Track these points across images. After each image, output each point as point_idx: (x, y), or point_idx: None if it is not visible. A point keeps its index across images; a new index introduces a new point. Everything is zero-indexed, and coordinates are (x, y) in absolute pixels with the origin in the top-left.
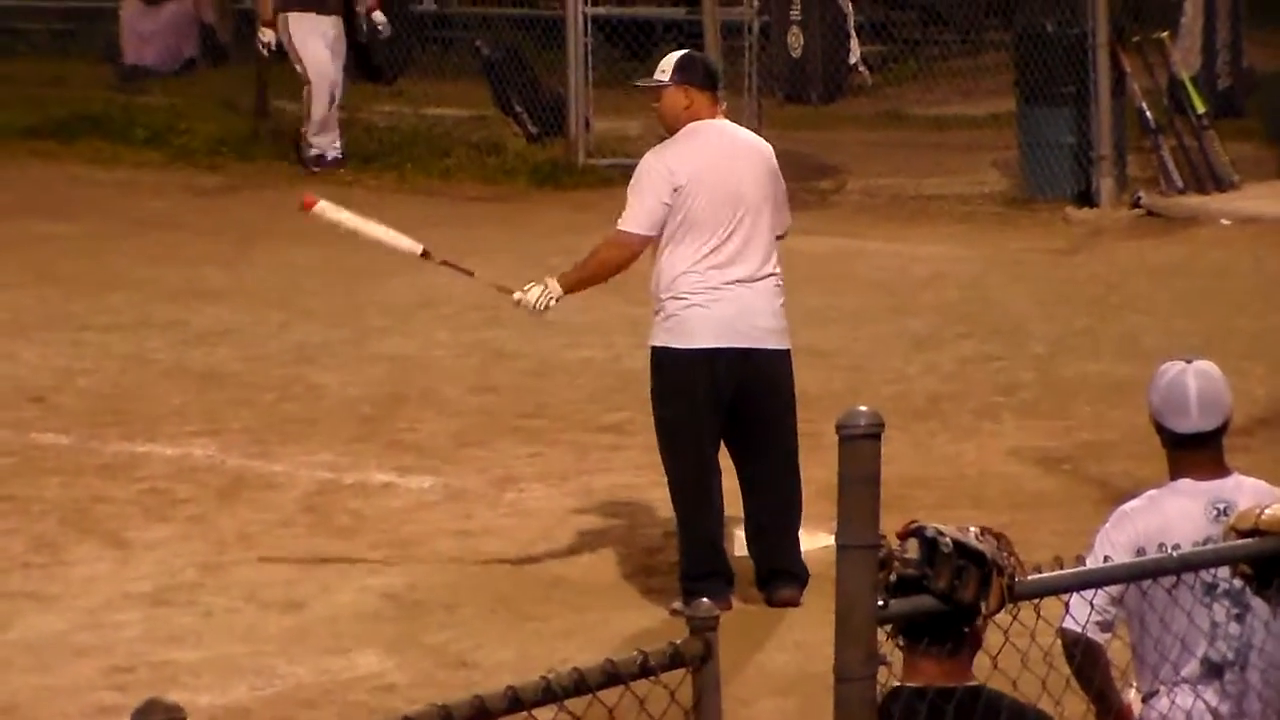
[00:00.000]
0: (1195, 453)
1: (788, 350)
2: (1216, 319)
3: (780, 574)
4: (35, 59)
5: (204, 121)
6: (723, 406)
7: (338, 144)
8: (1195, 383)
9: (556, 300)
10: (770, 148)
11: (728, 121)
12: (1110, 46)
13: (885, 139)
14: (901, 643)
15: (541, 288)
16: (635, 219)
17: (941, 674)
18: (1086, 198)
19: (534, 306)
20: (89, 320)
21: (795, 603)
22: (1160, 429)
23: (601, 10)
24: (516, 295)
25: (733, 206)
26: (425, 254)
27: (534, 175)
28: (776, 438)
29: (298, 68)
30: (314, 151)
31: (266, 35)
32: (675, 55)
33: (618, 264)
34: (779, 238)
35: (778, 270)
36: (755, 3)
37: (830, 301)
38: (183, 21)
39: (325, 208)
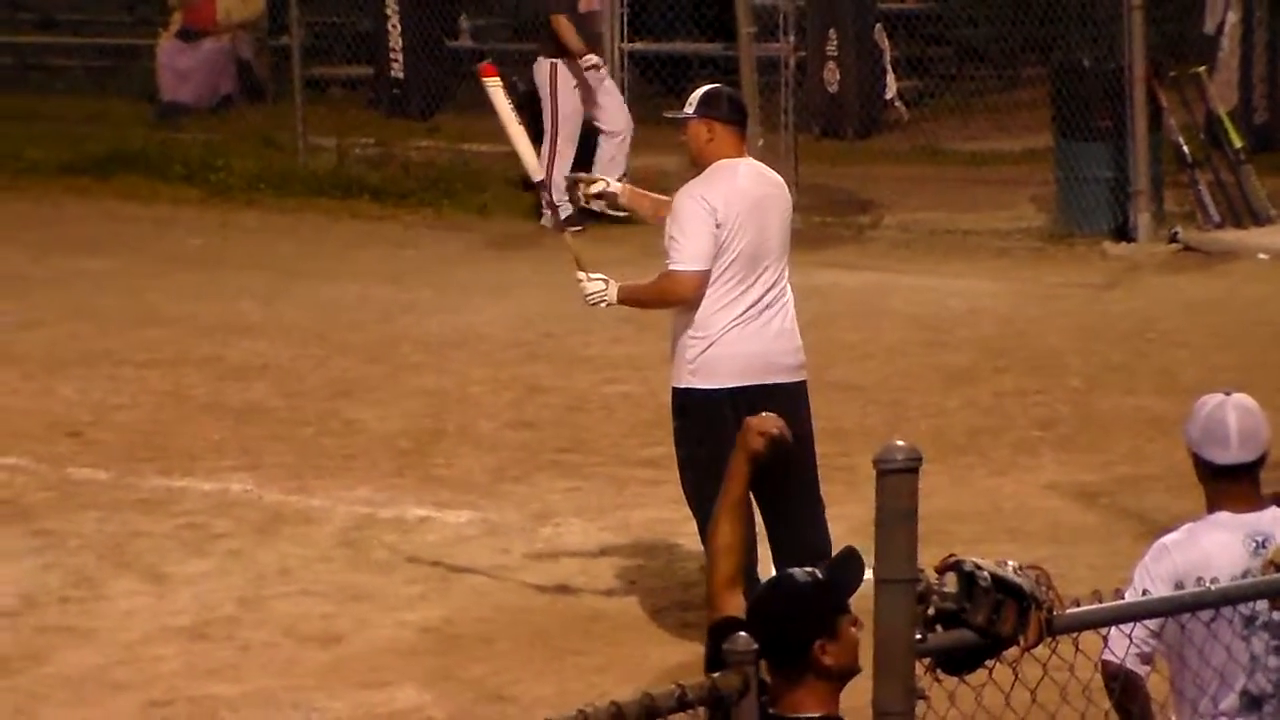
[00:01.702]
0: (1233, 485)
1: (805, 381)
2: (1254, 353)
3: None
4: (72, 96)
5: (241, 158)
6: None
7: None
8: (1234, 415)
9: (607, 305)
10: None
11: (753, 159)
12: (1147, 81)
13: (921, 174)
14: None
15: (603, 286)
16: (691, 256)
17: None
18: (1123, 233)
19: (586, 297)
20: (126, 356)
21: None
22: (1198, 461)
23: (638, 46)
24: (580, 276)
25: (764, 248)
26: (541, 184)
27: None
28: (799, 469)
29: (545, 118)
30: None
31: (591, 60)
32: (702, 89)
33: (675, 299)
34: None
35: (792, 302)
36: (791, 38)
37: (867, 336)
38: (220, 58)
39: (496, 87)
